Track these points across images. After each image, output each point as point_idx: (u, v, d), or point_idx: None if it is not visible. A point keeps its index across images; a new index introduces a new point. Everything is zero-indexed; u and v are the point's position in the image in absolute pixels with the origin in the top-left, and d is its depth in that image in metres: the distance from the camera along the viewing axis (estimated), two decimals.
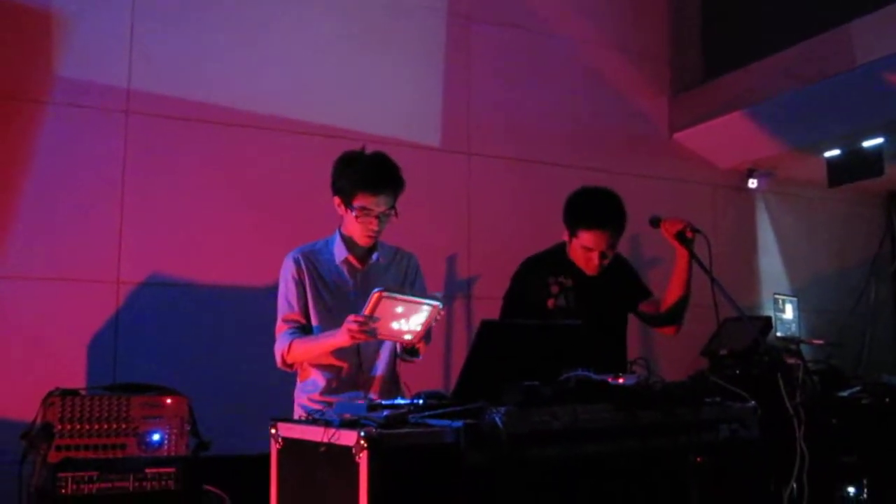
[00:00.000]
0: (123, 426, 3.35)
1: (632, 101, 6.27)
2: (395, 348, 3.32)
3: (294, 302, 3.26)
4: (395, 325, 2.94)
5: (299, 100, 5.11)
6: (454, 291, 5.48)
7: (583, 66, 6.15)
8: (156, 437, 3.36)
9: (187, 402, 3.52)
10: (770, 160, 6.51)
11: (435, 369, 5.17)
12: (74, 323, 4.45)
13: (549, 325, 3.11)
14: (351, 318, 2.91)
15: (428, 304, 2.92)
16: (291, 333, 3.23)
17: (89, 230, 4.54)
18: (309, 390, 3.34)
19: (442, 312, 2.96)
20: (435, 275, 5.37)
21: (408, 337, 2.97)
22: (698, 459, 2.73)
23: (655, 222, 3.60)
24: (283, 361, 3.26)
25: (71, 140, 4.52)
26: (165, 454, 3.34)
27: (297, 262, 3.29)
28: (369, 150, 3.29)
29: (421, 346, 3.14)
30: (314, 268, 3.29)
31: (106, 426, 3.34)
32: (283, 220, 4.91)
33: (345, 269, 3.31)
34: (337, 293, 3.30)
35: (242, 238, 4.83)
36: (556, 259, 3.71)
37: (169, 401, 3.47)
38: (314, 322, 3.26)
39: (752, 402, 2.93)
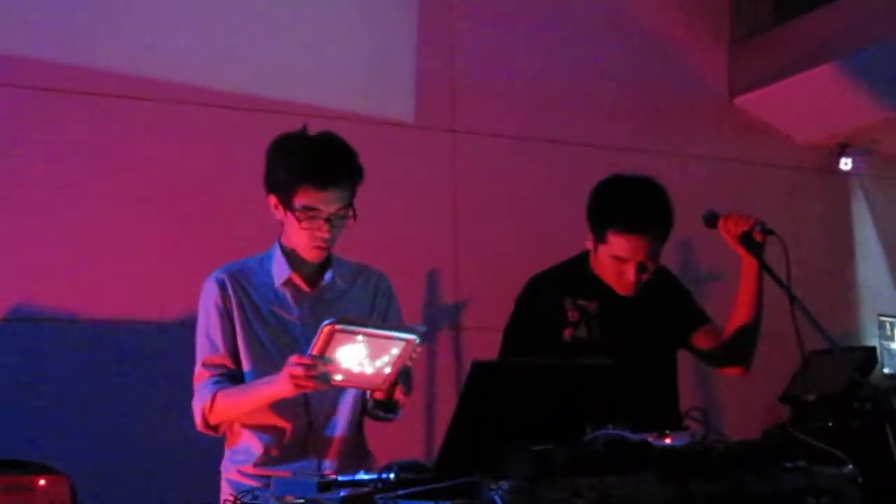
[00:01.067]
0: None
1: (678, 55, 6.37)
2: (362, 400, 3.37)
3: (218, 340, 3.32)
4: (355, 368, 2.99)
5: (214, 60, 5.20)
6: (436, 321, 5.56)
7: (608, 7, 6.23)
8: None
9: (68, 484, 3.53)
10: (869, 131, 6.56)
11: (413, 429, 5.19)
12: None
13: (566, 365, 3.10)
14: (293, 358, 2.95)
15: (400, 338, 2.97)
16: (215, 383, 3.28)
17: None
18: (240, 460, 3.38)
19: (419, 349, 3.01)
20: (410, 298, 5.34)
21: (376, 382, 3.04)
22: None
23: (711, 220, 3.66)
24: (205, 422, 3.30)
25: None
26: None
27: (221, 285, 3.35)
28: (313, 128, 3.34)
29: (399, 396, 3.21)
30: (245, 293, 3.35)
31: None
32: (198, 227, 5.00)
33: (287, 295, 3.37)
34: (277, 327, 3.35)
35: (144, 252, 4.91)
36: (574, 275, 3.78)
37: (43, 482, 3.48)
38: (246, 367, 3.32)
39: (851, 466, 2.91)
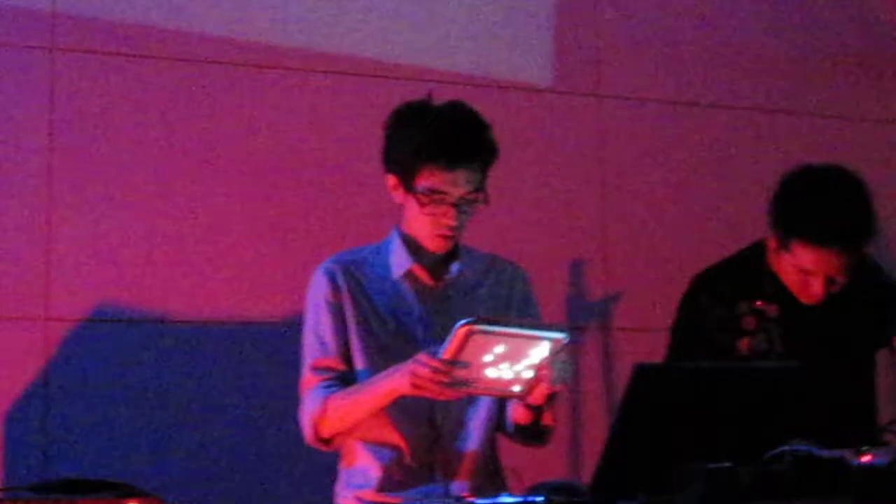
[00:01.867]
0: None
1: (854, 5, 6.29)
2: (497, 413, 3.40)
3: (329, 340, 3.38)
4: (491, 373, 3.03)
5: (324, 20, 5.19)
6: (582, 319, 5.53)
7: None
8: None
9: None
10: None
11: (555, 441, 5.03)
12: None
13: (746, 368, 3.14)
14: (422, 356, 3.01)
15: (546, 337, 3.01)
16: (326, 388, 3.34)
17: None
18: (357, 484, 3.42)
19: (568, 348, 3.06)
20: (550, 292, 5.32)
21: (515, 389, 3.07)
22: None
23: None
24: (316, 434, 3.35)
25: None
26: None
27: (331, 278, 3.41)
28: (440, 97, 3.38)
29: (549, 420, 3.27)
30: (359, 287, 3.41)
31: None
32: (304, 213, 5.00)
33: (408, 289, 3.43)
34: (395, 326, 3.41)
35: (241, 244, 4.93)
36: (750, 272, 3.78)
37: None
38: (360, 366, 3.38)
39: None
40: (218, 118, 5.02)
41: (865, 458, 2.77)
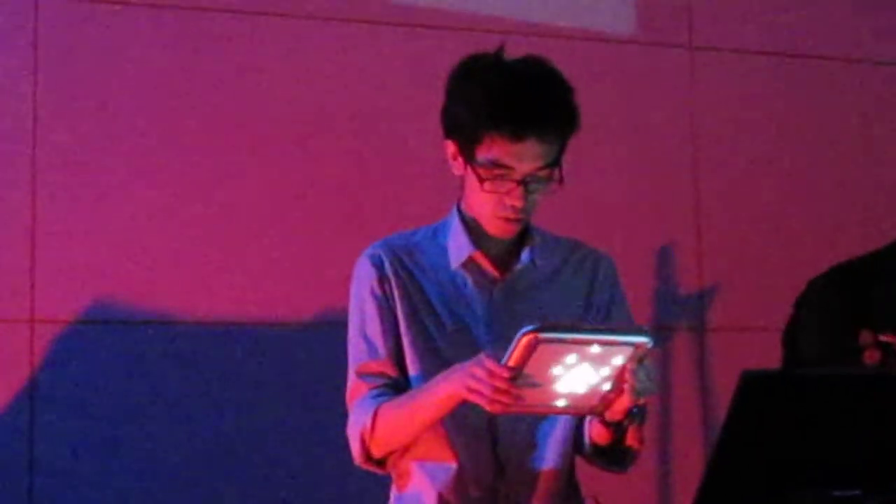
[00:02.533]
0: None
1: None
2: (571, 428, 3.37)
3: (378, 340, 3.33)
4: (562, 387, 2.97)
5: None
6: (673, 317, 5.57)
7: None
8: None
9: None
10: None
11: (643, 460, 5.20)
12: None
13: (880, 376, 3.05)
14: (485, 359, 2.94)
15: (625, 342, 2.95)
16: (376, 397, 3.29)
17: None
18: None
19: (653, 355, 3.02)
20: (634, 287, 5.28)
21: (591, 404, 3.04)
22: None
23: None
24: (366, 452, 3.30)
25: None
26: None
27: (378, 265, 3.36)
28: (513, 51, 3.29)
29: (634, 442, 3.18)
30: (411, 277, 3.36)
31: None
32: (343, 192, 5.00)
33: (469, 281, 3.35)
34: (454, 325, 3.34)
35: (244, 239, 4.96)
36: (885, 284, 3.72)
37: None
38: (413, 372, 3.32)
39: None
40: (220, 81, 5.10)
41: None
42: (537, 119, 3.15)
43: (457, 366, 3.06)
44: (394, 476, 3.39)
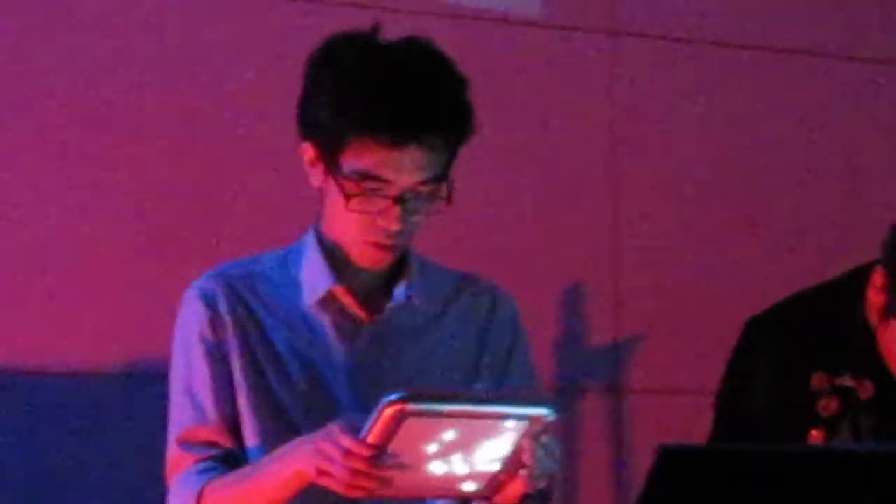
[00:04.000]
0: None
1: None
2: None
3: (207, 400, 3.03)
4: (438, 468, 2.72)
5: None
6: (583, 375, 5.40)
7: None
8: None
9: None
10: None
11: None
12: None
13: (824, 453, 3.02)
14: (338, 432, 2.66)
15: (520, 415, 2.70)
16: (202, 472, 2.98)
17: None
18: None
19: (554, 428, 2.75)
20: (538, 332, 4.95)
21: (473, 488, 2.76)
22: None
23: None
24: None
25: None
26: None
27: (210, 303, 3.04)
28: (392, 28, 3.00)
29: None
30: (252, 317, 3.05)
31: None
32: (173, 211, 4.79)
33: (328, 323, 3.04)
34: (308, 381, 3.05)
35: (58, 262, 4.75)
36: (834, 327, 3.62)
37: None
38: (252, 443, 3.03)
39: None
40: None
41: None
42: (422, 121, 2.86)
43: (305, 437, 2.81)
44: None
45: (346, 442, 2.62)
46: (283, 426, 2.99)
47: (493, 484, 2.75)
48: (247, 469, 2.96)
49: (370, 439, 2.61)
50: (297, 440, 2.83)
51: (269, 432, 3.00)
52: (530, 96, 5.36)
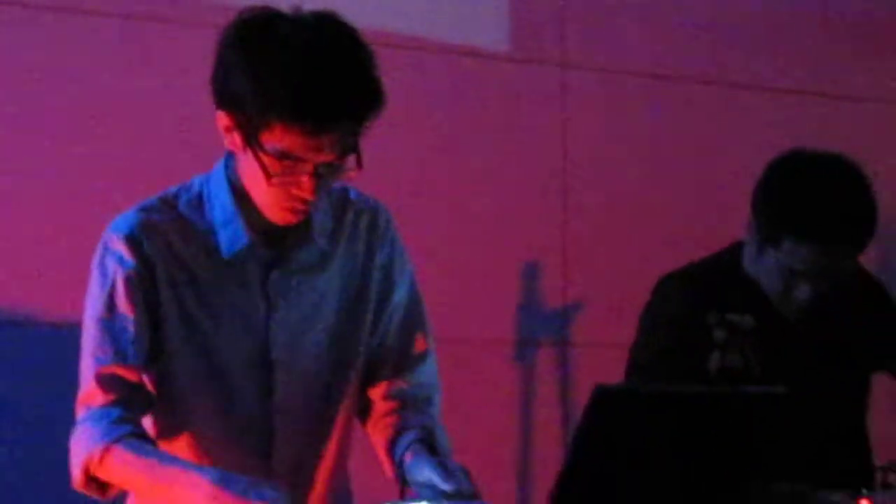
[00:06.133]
0: None
1: None
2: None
3: (126, 337, 2.91)
4: None
5: None
6: (537, 333, 5.59)
7: None
8: None
9: None
10: None
11: (506, 476, 5.22)
12: None
13: (721, 394, 3.07)
14: None
15: None
16: (114, 423, 2.86)
17: None
18: None
19: None
20: (502, 298, 5.42)
21: None
22: None
23: None
24: (87, 477, 2.86)
25: None
26: None
27: (135, 242, 2.92)
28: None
29: None
30: (177, 258, 2.96)
31: None
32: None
33: (245, 264, 3.00)
34: (230, 320, 2.99)
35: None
36: (722, 277, 3.81)
37: None
38: (182, 374, 2.98)
39: None
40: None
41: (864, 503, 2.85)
42: (342, 110, 2.77)
43: (237, 479, 2.69)
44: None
45: None
46: (210, 359, 2.93)
47: None
48: (156, 460, 2.81)
49: None
50: (221, 480, 2.69)
51: (197, 365, 2.93)
52: (492, 121, 5.42)
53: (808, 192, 3.61)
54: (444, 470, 2.79)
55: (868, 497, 2.83)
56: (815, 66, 6.24)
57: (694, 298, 3.72)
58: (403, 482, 2.90)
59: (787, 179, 3.67)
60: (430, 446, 2.92)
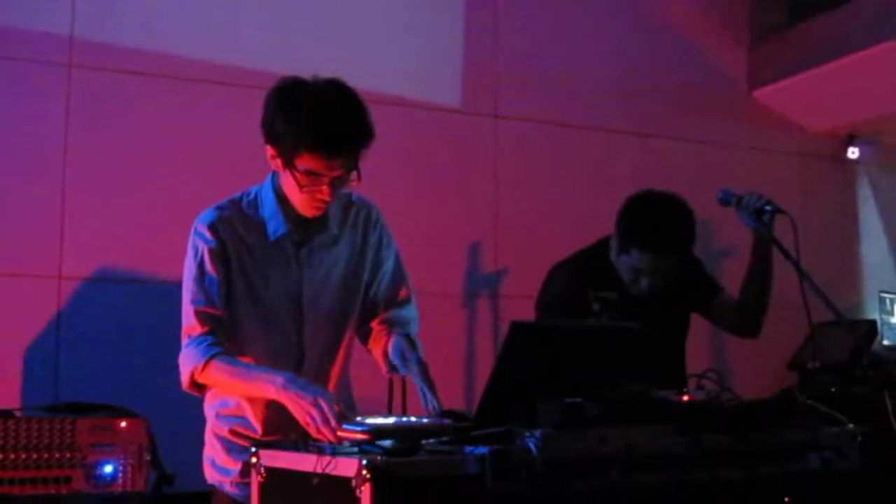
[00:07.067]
0: (68, 455, 3.42)
1: (700, 51, 6.38)
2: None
3: (213, 290, 2.97)
4: None
5: (279, 49, 5.12)
6: (478, 288, 5.57)
7: (637, 8, 6.23)
8: (108, 468, 3.44)
9: (145, 426, 3.58)
10: (874, 123, 6.57)
11: (453, 387, 5.19)
12: (5, 327, 4.55)
13: (597, 328, 3.09)
14: (325, 403, 2.63)
15: None
16: (211, 345, 2.92)
17: (23, 215, 4.66)
18: (230, 417, 3.09)
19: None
20: (453, 267, 5.43)
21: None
22: (787, 500, 2.71)
23: (726, 200, 3.62)
24: (193, 382, 2.95)
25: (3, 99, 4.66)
26: (120, 490, 3.42)
27: (214, 229, 3.00)
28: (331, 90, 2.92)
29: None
30: (242, 240, 3.02)
31: (47, 455, 3.40)
32: None
33: (283, 245, 3.06)
34: (280, 285, 3.04)
35: None
36: (596, 265, 3.76)
37: (124, 424, 3.54)
38: (241, 313, 3.02)
39: (851, 426, 2.87)
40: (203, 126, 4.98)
41: (685, 398, 2.81)
42: (348, 143, 2.86)
43: (294, 379, 2.76)
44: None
45: (330, 412, 2.60)
46: (260, 305, 2.98)
47: None
48: (242, 369, 2.90)
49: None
50: (288, 377, 2.75)
51: (250, 309, 2.99)
52: (440, 148, 5.42)
53: (646, 218, 3.63)
54: (412, 342, 2.98)
55: (687, 394, 2.84)
56: (657, 116, 6.20)
57: (577, 281, 3.71)
58: (392, 370, 2.97)
59: (635, 209, 3.67)
60: (407, 337, 3.01)
